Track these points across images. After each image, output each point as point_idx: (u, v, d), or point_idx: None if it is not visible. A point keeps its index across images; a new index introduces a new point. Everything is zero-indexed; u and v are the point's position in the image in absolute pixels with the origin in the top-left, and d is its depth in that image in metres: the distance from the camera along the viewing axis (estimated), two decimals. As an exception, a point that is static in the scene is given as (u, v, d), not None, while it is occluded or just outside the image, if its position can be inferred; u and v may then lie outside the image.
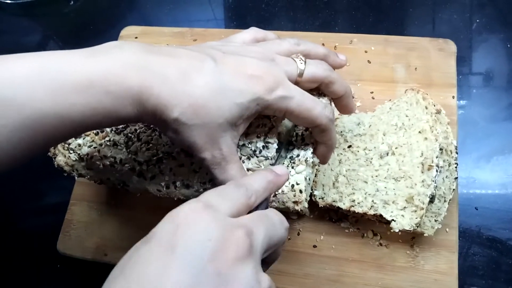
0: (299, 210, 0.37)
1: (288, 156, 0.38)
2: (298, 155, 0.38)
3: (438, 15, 0.67)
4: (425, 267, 0.46)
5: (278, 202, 0.38)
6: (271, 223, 0.28)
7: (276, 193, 0.37)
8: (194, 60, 0.31)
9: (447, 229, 0.47)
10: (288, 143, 0.41)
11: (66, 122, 0.28)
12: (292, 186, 0.37)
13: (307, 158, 0.38)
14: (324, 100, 0.38)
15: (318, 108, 0.34)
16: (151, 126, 0.44)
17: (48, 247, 0.56)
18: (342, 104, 0.40)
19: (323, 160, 0.40)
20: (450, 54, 0.57)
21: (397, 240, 0.48)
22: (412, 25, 0.68)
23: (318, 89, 0.38)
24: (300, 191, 0.37)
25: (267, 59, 0.34)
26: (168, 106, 0.29)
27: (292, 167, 0.38)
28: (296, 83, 0.35)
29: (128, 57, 0.29)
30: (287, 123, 0.42)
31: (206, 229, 0.24)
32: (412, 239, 0.48)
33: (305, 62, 0.35)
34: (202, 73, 0.30)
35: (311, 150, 0.38)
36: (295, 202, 0.37)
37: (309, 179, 0.39)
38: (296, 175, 0.37)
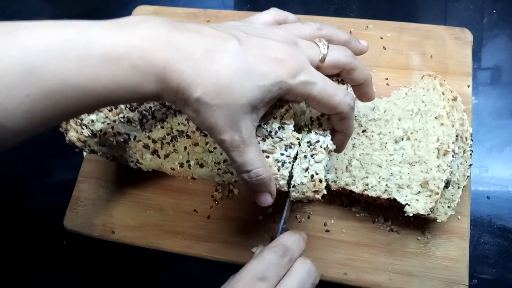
0: (319, 198, 0.37)
1: (306, 141, 0.37)
2: (317, 141, 0.37)
3: (453, 5, 0.66)
4: (436, 253, 0.46)
5: (298, 192, 0.37)
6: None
7: (296, 184, 0.37)
8: (219, 40, 0.30)
9: (459, 217, 0.47)
10: (303, 125, 0.40)
11: (90, 94, 0.28)
12: (312, 176, 0.36)
13: (327, 145, 0.37)
14: (344, 87, 0.37)
15: (340, 95, 0.33)
16: (166, 104, 0.43)
17: (55, 224, 0.56)
18: (362, 91, 0.39)
19: (339, 148, 0.39)
20: (466, 43, 0.57)
21: (408, 226, 0.48)
22: (427, 14, 0.67)
23: (337, 76, 0.38)
24: (320, 181, 0.36)
25: (290, 42, 0.33)
26: (191, 85, 0.29)
27: (312, 155, 0.36)
28: (318, 68, 0.34)
29: (155, 32, 0.29)
30: (302, 104, 0.42)
31: None
32: (424, 225, 0.47)
33: (327, 47, 0.35)
34: (227, 53, 0.30)
35: (330, 136, 0.37)
36: (315, 192, 0.36)
37: (326, 165, 0.39)
38: (316, 164, 0.36)
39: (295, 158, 0.37)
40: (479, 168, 0.53)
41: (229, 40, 0.31)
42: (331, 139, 0.37)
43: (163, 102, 0.43)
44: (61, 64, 0.26)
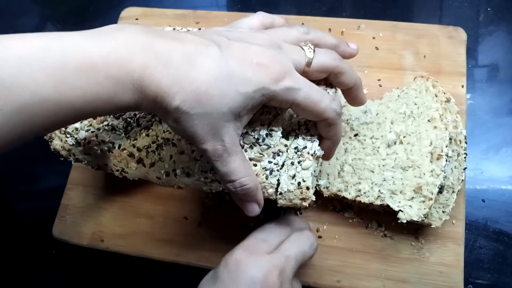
0: (307, 206, 0.36)
1: (293, 147, 0.36)
2: (305, 147, 0.36)
3: (448, 3, 0.65)
4: (430, 259, 0.46)
5: (285, 199, 0.36)
6: (302, 252, 0.38)
7: (282, 191, 0.36)
8: (199, 46, 0.29)
9: (454, 221, 0.46)
10: (290, 130, 0.39)
11: (66, 107, 0.27)
12: (299, 183, 0.35)
13: (315, 151, 0.35)
14: (331, 92, 0.36)
15: (326, 101, 0.32)
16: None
17: (43, 232, 0.55)
18: (352, 96, 0.38)
19: (327, 155, 0.38)
20: (460, 42, 0.56)
21: (402, 231, 0.47)
22: (421, 12, 0.66)
23: (325, 80, 0.36)
24: (307, 188, 0.35)
25: (274, 47, 0.32)
26: (169, 93, 0.28)
27: (299, 162, 0.35)
28: (304, 72, 0.33)
29: (131, 40, 0.28)
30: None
31: (251, 275, 0.34)
32: (417, 230, 0.47)
33: (314, 50, 0.34)
34: (206, 60, 0.29)
35: (318, 142, 0.36)
36: (303, 199, 0.35)
37: (315, 171, 0.38)
38: (303, 171, 0.35)
39: (283, 165, 0.36)
40: (474, 170, 0.52)
41: (209, 46, 0.30)
42: (319, 145, 0.36)
43: (146, 112, 0.42)
44: (33, 76, 0.25)
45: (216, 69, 0.29)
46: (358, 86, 0.37)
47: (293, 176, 0.35)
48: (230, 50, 0.30)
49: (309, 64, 0.33)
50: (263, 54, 0.31)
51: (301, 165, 0.35)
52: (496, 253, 0.48)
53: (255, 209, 0.35)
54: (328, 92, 0.36)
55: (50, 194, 0.59)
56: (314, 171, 0.36)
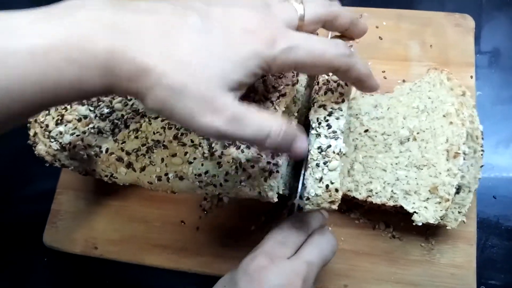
0: (336, 208, 0.33)
1: (316, 147, 0.33)
2: (329, 146, 0.33)
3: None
4: (441, 260, 0.44)
5: (313, 204, 0.33)
6: (324, 257, 0.35)
7: (310, 196, 0.33)
8: (176, 17, 0.26)
9: (465, 220, 0.44)
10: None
11: (22, 98, 0.23)
12: (327, 186, 0.32)
13: (340, 149, 0.33)
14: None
15: (331, 50, 0.29)
16: (140, 111, 0.39)
17: (34, 239, 0.52)
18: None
19: (370, 89, 0.34)
20: (468, 31, 0.53)
21: (411, 232, 0.45)
22: (425, 0, 0.63)
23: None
24: (336, 190, 0.32)
25: (261, 7, 0.29)
26: (147, 72, 0.24)
27: (324, 163, 0.33)
28: (299, 27, 0.30)
29: (94, 18, 0.24)
30: (298, 99, 0.39)
31: (274, 284, 0.32)
32: (427, 230, 0.45)
33: (301, 1, 0.30)
34: (187, 31, 0.25)
35: (342, 138, 0.33)
36: (331, 202, 0.33)
37: (341, 172, 0.35)
38: (330, 172, 0.32)
39: (293, 167, 0.33)
40: (484, 166, 0.49)
41: (187, 15, 0.26)
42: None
43: (122, 97, 0.38)
44: None
45: (198, 41, 0.25)
46: (354, 24, 0.33)
47: (320, 179, 0.32)
48: (211, 17, 0.27)
49: (302, 18, 0.30)
50: (249, 18, 0.27)
51: (327, 166, 0.32)
52: (509, 252, 0.46)
53: (303, 143, 0.30)
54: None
55: (41, 198, 0.55)
56: (341, 171, 0.34)
